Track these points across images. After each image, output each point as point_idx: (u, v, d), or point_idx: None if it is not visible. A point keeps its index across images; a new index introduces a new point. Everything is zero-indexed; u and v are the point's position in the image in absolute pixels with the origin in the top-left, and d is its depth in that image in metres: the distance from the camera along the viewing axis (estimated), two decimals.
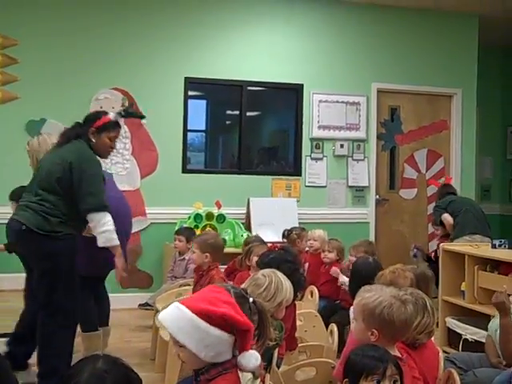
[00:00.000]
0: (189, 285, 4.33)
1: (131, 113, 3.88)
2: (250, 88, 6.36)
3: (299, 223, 5.94)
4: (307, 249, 5.16)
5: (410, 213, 6.89)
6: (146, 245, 5.94)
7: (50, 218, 3.29)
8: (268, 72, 6.34)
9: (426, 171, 6.94)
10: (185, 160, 6.14)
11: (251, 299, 1.91)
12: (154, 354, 4.11)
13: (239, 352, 1.79)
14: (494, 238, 4.88)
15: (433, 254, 6.01)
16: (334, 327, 3.11)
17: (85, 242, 3.51)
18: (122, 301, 5.25)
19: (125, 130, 5.72)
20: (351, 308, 2.39)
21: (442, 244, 4.96)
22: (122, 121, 3.75)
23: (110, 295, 4.26)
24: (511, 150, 8.24)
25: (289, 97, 6.55)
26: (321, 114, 6.50)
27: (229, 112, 6.86)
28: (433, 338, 2.67)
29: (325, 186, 6.52)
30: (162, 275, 5.75)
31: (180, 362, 2.26)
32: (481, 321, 4.06)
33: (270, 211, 6.11)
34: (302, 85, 6.45)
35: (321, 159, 6.52)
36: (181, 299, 1.89)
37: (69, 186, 3.34)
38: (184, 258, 5.21)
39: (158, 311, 4.07)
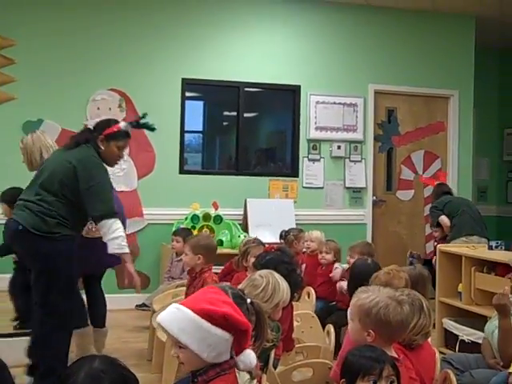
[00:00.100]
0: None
1: (143, 124, 3.78)
2: (247, 89, 6.36)
3: (296, 224, 5.94)
4: (304, 250, 5.16)
5: (406, 214, 6.90)
6: (142, 245, 5.93)
7: (47, 218, 3.28)
8: (265, 73, 6.34)
9: (423, 172, 6.94)
10: (182, 161, 6.13)
11: (249, 300, 1.91)
12: (150, 355, 4.11)
13: (236, 353, 1.79)
14: (490, 240, 4.89)
15: (432, 256, 5.97)
16: (330, 328, 3.12)
17: (79, 242, 3.50)
18: (119, 301, 5.24)
19: None
20: (348, 309, 2.39)
21: (438, 245, 4.97)
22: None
23: (106, 296, 4.26)
24: (508, 152, 8.26)
25: (286, 98, 6.55)
26: (318, 115, 6.50)
27: (226, 113, 6.86)
28: (429, 339, 2.67)
29: (322, 187, 6.53)
30: (159, 276, 5.75)
31: (177, 363, 2.26)
32: (477, 322, 4.07)
33: (267, 212, 6.11)
34: (299, 86, 6.46)
35: (318, 160, 6.52)
36: (178, 300, 1.88)
37: (71, 189, 3.33)
38: (181, 259, 5.17)
39: (154, 312, 4.07)
